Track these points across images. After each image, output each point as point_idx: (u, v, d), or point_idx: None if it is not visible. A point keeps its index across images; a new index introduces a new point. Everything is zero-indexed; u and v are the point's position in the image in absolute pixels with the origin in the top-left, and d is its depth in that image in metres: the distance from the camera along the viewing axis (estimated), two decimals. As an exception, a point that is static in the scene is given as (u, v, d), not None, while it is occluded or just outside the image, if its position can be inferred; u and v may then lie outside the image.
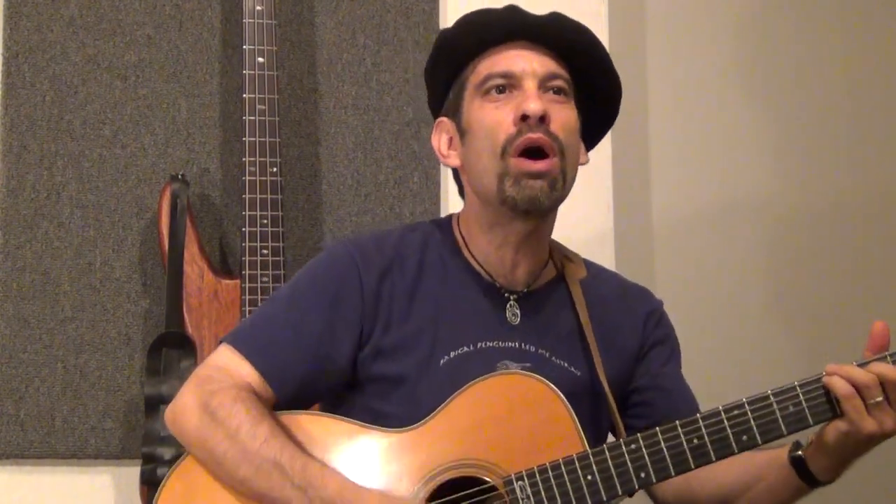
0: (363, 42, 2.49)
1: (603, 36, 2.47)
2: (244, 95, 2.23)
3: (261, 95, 2.23)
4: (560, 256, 1.76)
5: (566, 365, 1.68)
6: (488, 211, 1.68)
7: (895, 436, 1.50)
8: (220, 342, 1.67)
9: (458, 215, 1.77)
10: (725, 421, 1.51)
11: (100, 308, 2.36)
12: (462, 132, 1.68)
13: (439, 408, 1.58)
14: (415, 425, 1.58)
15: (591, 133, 1.75)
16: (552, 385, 1.57)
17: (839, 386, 1.48)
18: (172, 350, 2.19)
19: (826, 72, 2.86)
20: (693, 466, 1.52)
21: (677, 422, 1.52)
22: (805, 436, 1.56)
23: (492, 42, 1.67)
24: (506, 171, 1.61)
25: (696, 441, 1.51)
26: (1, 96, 2.37)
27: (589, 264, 1.79)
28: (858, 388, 1.47)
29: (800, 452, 1.55)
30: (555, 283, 1.74)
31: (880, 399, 1.46)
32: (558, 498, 1.51)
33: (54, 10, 2.40)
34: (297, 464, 1.51)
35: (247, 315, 2.18)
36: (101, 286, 2.36)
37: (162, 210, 2.27)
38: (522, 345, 1.67)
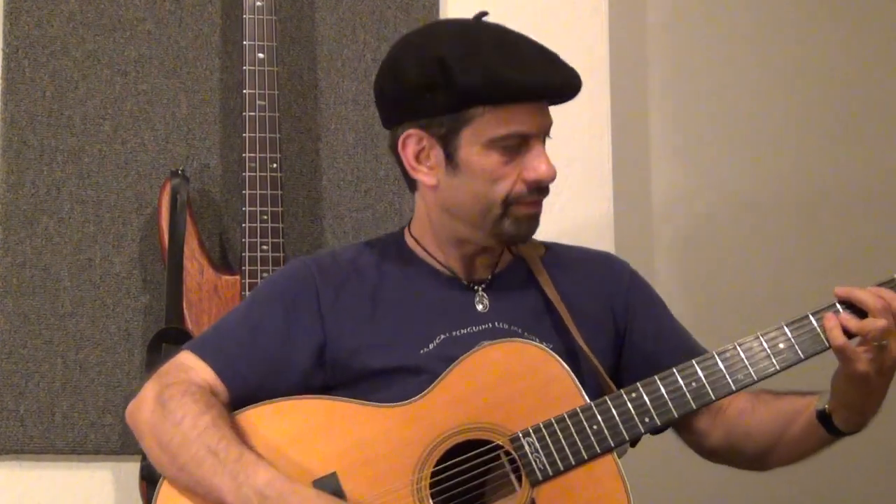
0: (363, 38, 2.49)
1: (603, 21, 2.50)
2: (244, 91, 2.23)
3: (261, 91, 2.23)
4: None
5: (537, 340, 1.70)
6: (460, 231, 1.71)
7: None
8: (181, 349, 1.71)
9: (408, 229, 1.80)
10: (720, 363, 1.60)
11: (100, 304, 2.36)
12: (454, 164, 1.66)
13: (436, 381, 1.60)
14: (414, 398, 1.60)
15: None
16: (546, 347, 1.62)
17: (834, 337, 1.55)
18: (172, 346, 2.18)
19: (826, 58, 2.86)
20: (695, 407, 1.60)
21: (674, 368, 1.60)
22: (799, 371, 1.62)
23: (523, 100, 1.64)
24: (507, 213, 1.66)
25: (694, 384, 1.59)
26: (1, 92, 2.37)
27: (547, 243, 1.83)
28: (854, 333, 1.54)
29: (825, 407, 1.61)
30: (515, 266, 1.78)
31: (875, 345, 1.53)
32: (567, 449, 1.56)
33: (54, 6, 2.39)
34: (233, 453, 1.54)
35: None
36: (100, 282, 2.36)
37: (162, 206, 2.27)
38: (495, 324, 1.70)
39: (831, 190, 2.84)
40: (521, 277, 1.77)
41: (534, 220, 1.69)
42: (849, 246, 2.82)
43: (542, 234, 1.87)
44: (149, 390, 1.64)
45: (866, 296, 1.55)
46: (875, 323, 1.53)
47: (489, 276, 1.75)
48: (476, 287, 1.74)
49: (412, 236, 1.79)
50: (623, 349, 1.78)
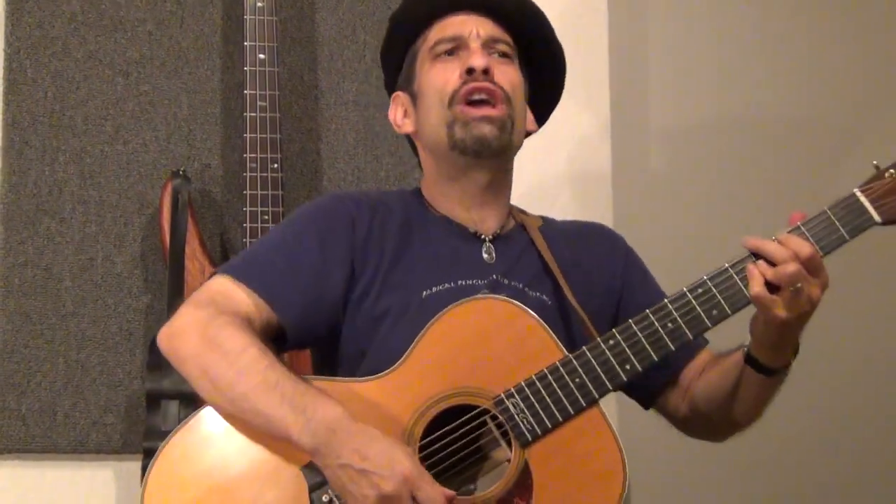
0: (363, 38, 2.49)
1: (603, 21, 2.53)
2: (245, 92, 2.23)
3: (262, 92, 2.23)
4: (517, 213, 1.83)
5: (538, 295, 1.71)
6: (444, 165, 1.76)
7: (812, 312, 1.56)
8: (213, 274, 1.66)
9: (421, 185, 1.84)
10: (693, 300, 1.58)
11: (101, 303, 2.36)
12: (415, 97, 1.77)
13: (410, 346, 1.58)
14: (390, 368, 1.58)
15: (540, 106, 1.84)
16: (515, 301, 1.60)
17: (751, 286, 1.54)
18: (173, 345, 2.20)
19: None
20: (673, 348, 1.58)
21: (647, 311, 1.58)
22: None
23: (439, 13, 1.77)
24: (454, 118, 1.70)
25: (670, 325, 1.58)
26: (3, 92, 2.38)
27: (544, 217, 1.86)
28: (770, 281, 1.53)
29: (747, 349, 1.62)
30: (517, 230, 1.80)
31: (792, 289, 1.52)
32: (552, 406, 1.55)
33: (56, 7, 2.40)
34: (300, 388, 1.52)
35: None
36: (102, 282, 2.37)
37: (163, 206, 2.28)
38: (499, 277, 1.71)
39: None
40: (522, 240, 1.79)
41: (482, 122, 1.68)
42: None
43: (542, 233, 1.88)
44: (189, 319, 1.59)
45: (773, 248, 1.55)
46: (786, 268, 1.52)
47: (497, 231, 1.77)
48: (483, 237, 1.76)
49: (423, 195, 1.82)
50: (615, 320, 1.78)
